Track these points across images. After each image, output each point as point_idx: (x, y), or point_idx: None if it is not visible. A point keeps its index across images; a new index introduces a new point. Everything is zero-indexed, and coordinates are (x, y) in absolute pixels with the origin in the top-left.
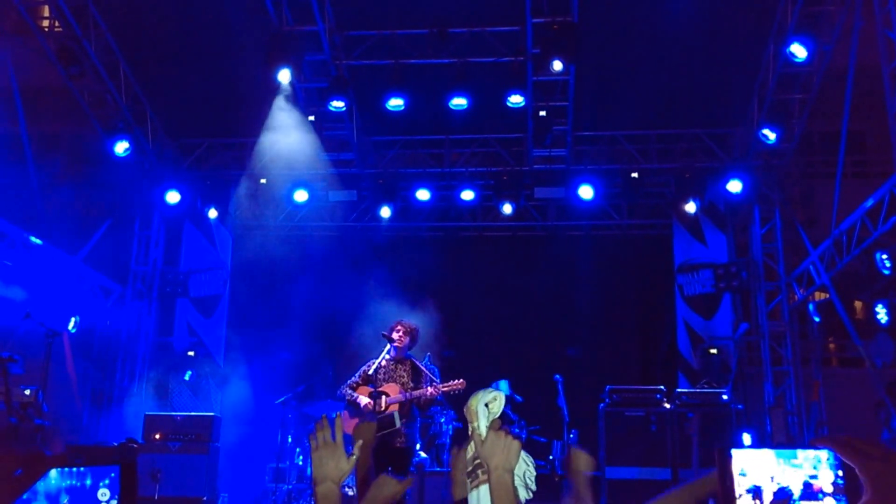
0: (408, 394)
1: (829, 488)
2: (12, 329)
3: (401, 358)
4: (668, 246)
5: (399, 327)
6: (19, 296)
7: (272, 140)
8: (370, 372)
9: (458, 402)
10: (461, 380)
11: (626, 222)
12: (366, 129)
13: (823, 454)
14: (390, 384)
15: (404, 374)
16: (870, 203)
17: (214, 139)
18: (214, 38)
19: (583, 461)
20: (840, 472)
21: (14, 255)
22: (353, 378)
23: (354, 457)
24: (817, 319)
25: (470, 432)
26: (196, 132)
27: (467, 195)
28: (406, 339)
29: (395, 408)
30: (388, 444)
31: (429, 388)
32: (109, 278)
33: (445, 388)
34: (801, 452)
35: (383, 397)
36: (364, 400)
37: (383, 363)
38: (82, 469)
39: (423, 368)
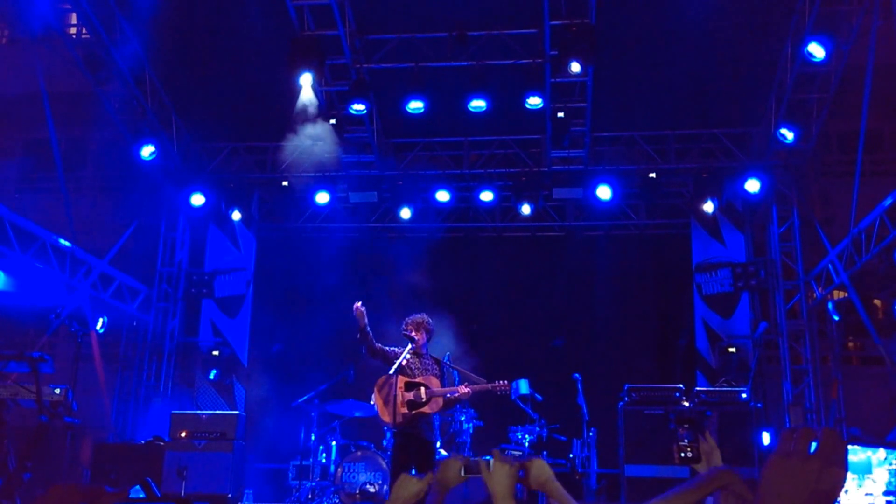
0: (453, 392)
1: (879, 488)
2: (42, 329)
3: (421, 352)
4: (686, 245)
5: (409, 327)
6: (48, 296)
7: (294, 143)
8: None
9: (477, 401)
10: (505, 381)
11: (643, 222)
12: (386, 131)
13: (882, 454)
14: (429, 377)
15: (430, 367)
16: (888, 202)
17: (238, 143)
18: (238, 43)
19: (716, 456)
20: None
21: (43, 257)
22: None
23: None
24: (836, 318)
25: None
26: (220, 136)
27: (486, 196)
28: (423, 335)
29: (436, 401)
30: (416, 436)
31: (461, 387)
32: (136, 280)
33: (478, 388)
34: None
35: (422, 388)
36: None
37: (411, 359)
38: None
39: (443, 362)
